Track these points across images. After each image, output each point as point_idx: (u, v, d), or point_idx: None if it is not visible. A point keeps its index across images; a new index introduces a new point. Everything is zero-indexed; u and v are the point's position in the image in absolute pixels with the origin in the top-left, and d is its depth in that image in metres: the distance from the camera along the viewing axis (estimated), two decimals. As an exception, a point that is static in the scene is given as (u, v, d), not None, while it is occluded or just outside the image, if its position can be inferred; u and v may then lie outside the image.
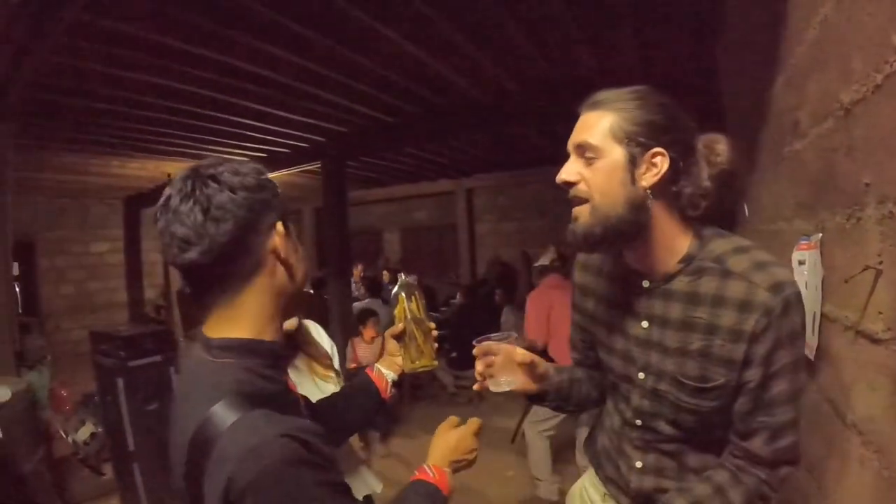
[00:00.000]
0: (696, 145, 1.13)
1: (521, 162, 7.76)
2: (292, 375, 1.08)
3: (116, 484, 3.71)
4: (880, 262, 0.89)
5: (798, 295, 1.02)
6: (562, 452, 4.19)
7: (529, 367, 1.32)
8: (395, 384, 1.46)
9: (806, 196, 1.36)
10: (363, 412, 1.41)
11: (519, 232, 9.76)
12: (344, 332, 5.67)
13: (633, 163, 1.06)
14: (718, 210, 1.14)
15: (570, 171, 1.11)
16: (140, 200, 9.41)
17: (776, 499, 1.08)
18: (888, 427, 0.89)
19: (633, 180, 1.06)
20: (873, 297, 0.92)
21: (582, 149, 1.10)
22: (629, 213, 1.07)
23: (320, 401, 1.33)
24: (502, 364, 1.29)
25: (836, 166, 1.10)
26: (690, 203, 1.11)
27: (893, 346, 0.86)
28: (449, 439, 1.22)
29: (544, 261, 4.22)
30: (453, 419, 1.29)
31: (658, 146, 1.06)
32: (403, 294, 1.42)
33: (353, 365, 5.06)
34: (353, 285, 7.35)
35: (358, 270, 8.71)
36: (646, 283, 1.16)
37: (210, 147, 5.83)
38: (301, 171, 6.83)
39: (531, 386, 1.35)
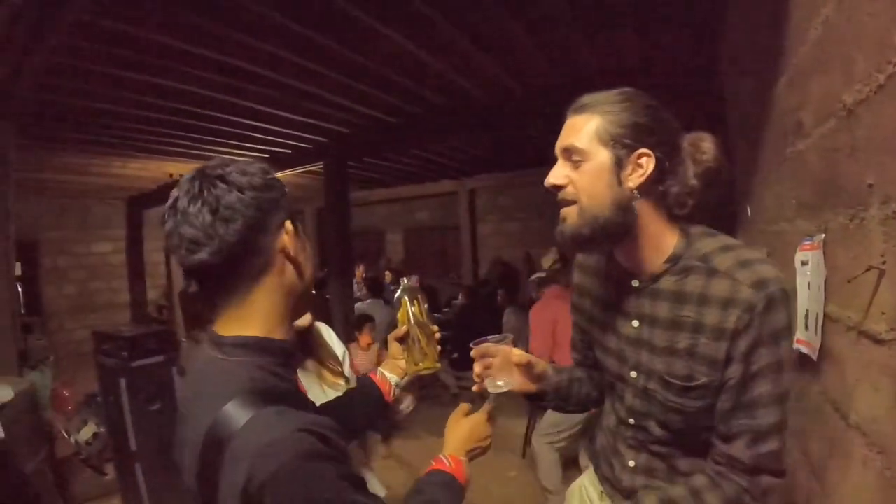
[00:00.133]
0: (681, 144, 1.14)
1: (524, 162, 7.74)
2: (301, 377, 1.08)
3: (118, 484, 3.71)
4: (883, 263, 0.89)
5: (783, 293, 1.02)
6: (574, 463, 4.09)
7: (527, 368, 1.35)
8: (403, 388, 1.46)
9: (809, 196, 1.36)
10: (366, 416, 1.41)
11: (521, 232, 9.75)
12: (346, 333, 5.68)
13: (619, 164, 1.08)
14: (706, 207, 1.15)
15: (558, 174, 1.13)
16: (142, 201, 9.43)
17: None
18: (891, 428, 0.88)
19: (620, 182, 1.08)
20: (876, 298, 0.92)
21: (569, 152, 1.11)
22: (616, 214, 1.08)
23: (324, 404, 1.33)
24: (500, 365, 1.31)
25: (838, 167, 1.09)
26: (677, 202, 1.13)
27: (896, 346, 0.86)
28: (462, 427, 1.23)
29: (541, 273, 4.20)
30: (464, 406, 1.29)
31: (643, 147, 1.07)
32: (406, 298, 1.43)
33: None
34: (355, 286, 7.35)
35: (360, 271, 8.72)
36: (635, 283, 1.18)
37: (212, 147, 5.84)
38: (303, 172, 6.84)
39: (529, 386, 1.38)
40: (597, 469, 1.42)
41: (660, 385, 1.14)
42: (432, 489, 1.07)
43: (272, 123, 5.00)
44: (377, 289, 7.22)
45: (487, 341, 1.33)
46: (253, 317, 0.94)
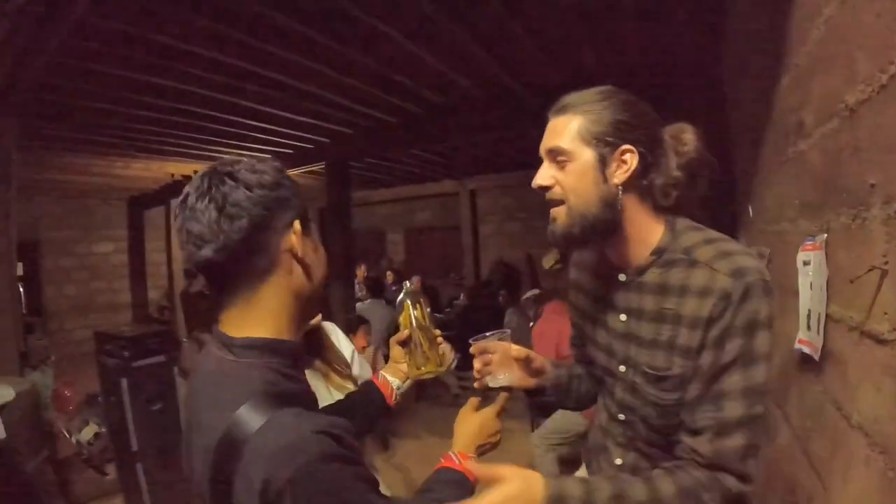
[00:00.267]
0: (662, 137, 1.16)
1: (525, 163, 7.75)
2: (308, 377, 1.08)
3: (120, 484, 3.71)
4: (886, 263, 0.89)
5: (763, 284, 1.01)
6: (574, 463, 4.12)
7: (526, 363, 1.37)
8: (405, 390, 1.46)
9: (811, 196, 1.36)
10: (368, 419, 1.41)
11: (523, 233, 9.73)
12: (347, 333, 5.67)
13: (603, 162, 1.10)
14: (692, 199, 1.17)
15: (544, 175, 1.15)
16: (144, 201, 9.44)
17: None
18: (893, 428, 0.88)
19: (605, 179, 1.10)
20: (879, 298, 0.92)
21: (553, 153, 1.13)
22: (603, 211, 1.11)
23: (325, 407, 1.32)
24: (499, 361, 1.33)
25: (841, 167, 1.09)
26: (662, 193, 1.15)
27: (899, 346, 0.85)
28: (472, 424, 1.22)
29: (535, 290, 4.16)
30: (474, 401, 1.29)
31: (626, 144, 1.09)
32: (409, 301, 1.42)
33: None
34: (357, 286, 7.35)
35: (361, 271, 8.72)
36: (622, 277, 1.19)
37: (213, 147, 5.85)
38: (304, 172, 6.84)
39: (529, 381, 1.39)
40: (588, 467, 1.42)
41: (642, 378, 1.15)
42: (442, 487, 1.07)
43: (273, 123, 5.00)
44: (377, 289, 7.22)
45: (486, 337, 1.35)
46: (261, 317, 0.93)
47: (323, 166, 6.22)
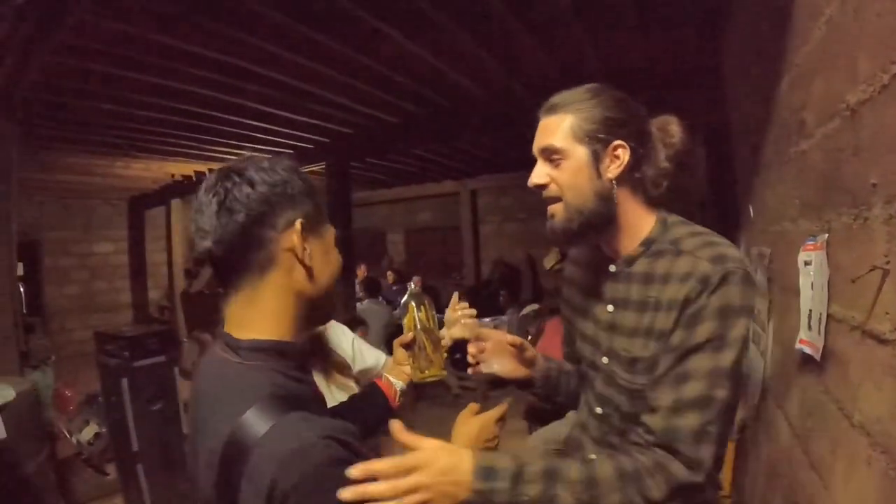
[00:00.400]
0: (650, 130, 1.20)
1: (526, 163, 7.66)
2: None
3: (120, 484, 3.71)
4: (887, 263, 0.88)
5: (744, 275, 1.03)
6: None
7: (519, 352, 1.38)
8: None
9: (812, 196, 1.35)
10: (371, 421, 1.41)
11: (523, 233, 9.73)
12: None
13: (596, 158, 1.13)
14: (680, 189, 1.20)
15: (540, 174, 1.18)
16: (144, 201, 9.44)
17: None
18: (895, 428, 0.88)
19: (599, 174, 1.13)
20: (880, 298, 0.92)
21: (547, 152, 1.16)
22: (599, 205, 1.14)
23: (329, 409, 1.32)
24: (493, 349, 1.36)
25: (842, 166, 1.09)
26: (653, 185, 1.19)
27: (901, 346, 0.85)
28: (471, 427, 1.22)
29: (533, 306, 4.12)
30: (473, 406, 1.29)
31: (617, 139, 1.13)
32: (413, 303, 1.41)
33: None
34: (357, 286, 7.36)
35: (361, 271, 8.72)
36: (612, 268, 1.22)
37: (213, 147, 5.85)
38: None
39: (520, 371, 1.40)
40: None
41: (618, 364, 1.17)
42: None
43: (274, 123, 5.00)
44: (374, 289, 7.22)
45: (484, 324, 1.39)
46: (262, 316, 0.93)
47: (323, 166, 6.22)
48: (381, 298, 7.08)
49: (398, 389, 1.42)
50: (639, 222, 1.18)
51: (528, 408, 3.63)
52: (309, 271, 0.95)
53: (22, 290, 6.97)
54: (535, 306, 4.24)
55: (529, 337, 4.17)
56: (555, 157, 1.15)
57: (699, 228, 1.16)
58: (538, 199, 1.21)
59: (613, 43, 3.47)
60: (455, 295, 1.44)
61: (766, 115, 1.86)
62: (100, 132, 5.03)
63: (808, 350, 1.32)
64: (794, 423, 1.58)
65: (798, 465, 1.49)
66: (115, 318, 10.03)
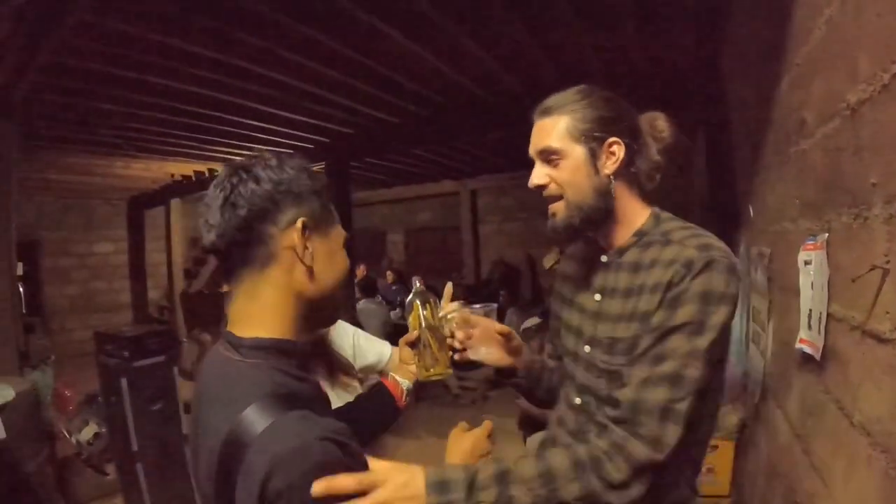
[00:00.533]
0: (641, 126, 1.24)
1: (525, 163, 7.68)
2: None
3: (120, 484, 3.70)
4: (887, 262, 0.88)
5: (729, 264, 1.06)
6: None
7: (507, 340, 1.40)
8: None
9: (812, 196, 1.36)
10: (379, 422, 1.40)
11: (523, 233, 9.72)
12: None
13: (593, 156, 1.17)
14: (678, 188, 1.24)
15: (540, 175, 1.22)
16: (144, 201, 9.44)
17: None
18: (895, 427, 0.88)
19: (597, 171, 1.18)
20: (880, 297, 0.92)
21: (545, 153, 1.20)
22: (598, 200, 1.18)
23: (334, 410, 1.31)
24: (480, 336, 1.37)
25: (842, 166, 1.09)
26: (647, 178, 1.25)
27: (901, 346, 0.85)
28: (464, 444, 1.22)
29: (534, 319, 4.09)
30: (463, 424, 1.29)
31: (612, 136, 1.17)
32: (418, 301, 1.40)
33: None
34: (356, 286, 7.36)
35: (360, 271, 8.72)
36: (604, 258, 1.27)
37: (213, 147, 5.85)
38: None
39: (506, 360, 1.41)
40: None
41: (600, 349, 1.19)
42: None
43: (274, 123, 5.00)
44: (369, 289, 7.22)
45: (474, 310, 1.39)
46: (263, 313, 0.93)
47: (323, 166, 6.22)
48: (379, 298, 7.10)
49: (405, 389, 1.42)
50: (634, 215, 1.23)
51: (522, 416, 3.63)
52: (310, 271, 0.94)
53: (21, 290, 6.96)
54: (536, 320, 4.23)
55: None
56: (553, 157, 1.19)
57: (690, 224, 1.20)
58: (538, 199, 1.23)
59: (613, 43, 3.47)
60: (448, 285, 1.45)
61: (766, 114, 1.86)
62: (99, 132, 5.02)
63: (808, 349, 1.32)
64: (794, 423, 1.58)
65: (798, 465, 1.49)
66: (115, 318, 10.03)
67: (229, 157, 6.33)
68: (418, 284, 1.45)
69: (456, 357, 1.36)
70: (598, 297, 1.25)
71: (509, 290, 6.82)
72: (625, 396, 1.04)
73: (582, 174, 1.17)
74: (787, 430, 1.66)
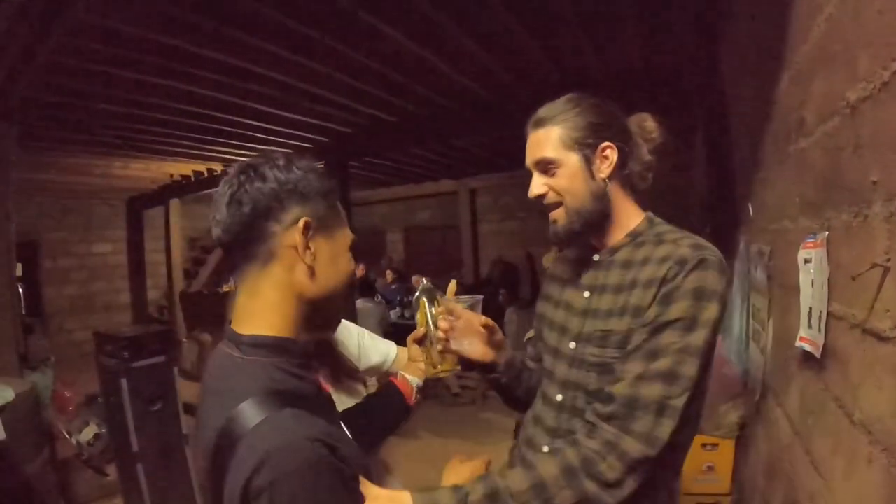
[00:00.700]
0: (630, 129, 1.29)
1: (525, 162, 7.70)
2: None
3: (120, 485, 3.70)
4: (888, 260, 0.88)
5: (720, 263, 1.11)
6: None
7: (490, 333, 1.42)
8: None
9: (812, 194, 1.35)
10: (389, 421, 1.40)
11: (522, 232, 9.73)
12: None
13: (588, 162, 1.22)
14: (676, 188, 1.26)
15: (538, 185, 1.27)
16: (143, 201, 9.44)
17: None
18: (896, 426, 0.88)
19: (593, 176, 1.23)
20: (881, 295, 0.92)
21: (542, 164, 1.25)
22: (596, 204, 1.23)
23: (345, 411, 1.31)
24: (463, 328, 1.38)
25: (842, 164, 1.09)
26: (640, 178, 1.29)
27: (901, 344, 0.85)
28: (462, 474, 1.22)
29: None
30: (459, 456, 1.31)
31: (604, 141, 1.22)
32: (425, 298, 1.40)
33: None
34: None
35: (360, 270, 8.72)
36: (596, 257, 1.30)
37: (213, 147, 5.85)
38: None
39: (488, 354, 1.42)
40: (510, 464, 1.43)
41: (591, 344, 1.20)
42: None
43: (273, 123, 5.00)
44: (366, 288, 7.23)
45: (460, 300, 1.40)
46: (263, 311, 0.93)
47: (322, 165, 6.22)
48: (378, 297, 7.11)
49: (414, 387, 1.42)
50: (628, 216, 1.27)
51: (518, 426, 3.63)
52: (311, 271, 0.94)
53: (21, 290, 6.95)
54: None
55: None
56: (550, 167, 1.24)
57: (683, 230, 1.23)
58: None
59: (613, 43, 3.47)
60: (452, 283, 1.46)
61: (765, 113, 1.86)
62: (98, 132, 5.02)
63: (808, 348, 1.32)
64: (794, 421, 1.58)
65: (798, 464, 1.49)
66: (115, 318, 10.04)
67: (229, 157, 6.32)
68: (425, 282, 1.45)
69: (439, 348, 1.37)
70: (587, 294, 1.27)
71: (509, 288, 6.80)
72: (619, 392, 1.05)
73: (579, 180, 1.22)
74: (787, 429, 1.66)
